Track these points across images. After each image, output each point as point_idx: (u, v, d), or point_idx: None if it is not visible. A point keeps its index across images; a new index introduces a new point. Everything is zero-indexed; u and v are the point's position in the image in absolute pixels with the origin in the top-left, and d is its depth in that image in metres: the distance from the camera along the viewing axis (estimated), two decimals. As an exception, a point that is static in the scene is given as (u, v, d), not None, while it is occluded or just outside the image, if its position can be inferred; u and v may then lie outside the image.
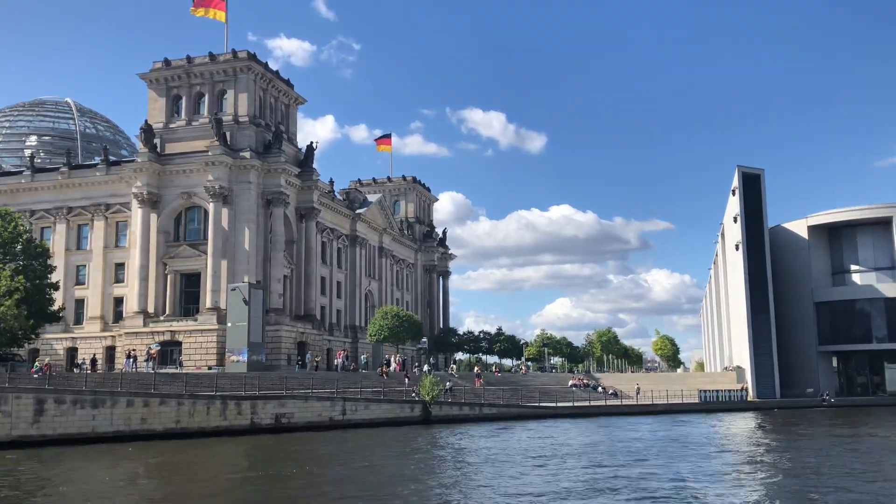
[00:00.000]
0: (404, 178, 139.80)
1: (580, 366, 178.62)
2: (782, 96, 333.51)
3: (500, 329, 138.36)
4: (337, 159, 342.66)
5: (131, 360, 68.32)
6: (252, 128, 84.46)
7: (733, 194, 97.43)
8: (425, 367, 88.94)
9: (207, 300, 79.33)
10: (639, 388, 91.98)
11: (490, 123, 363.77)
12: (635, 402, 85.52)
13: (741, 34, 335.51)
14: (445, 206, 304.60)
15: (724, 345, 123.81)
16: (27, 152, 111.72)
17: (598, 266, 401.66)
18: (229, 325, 71.18)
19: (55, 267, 73.27)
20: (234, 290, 71.11)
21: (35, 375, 53.62)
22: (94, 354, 77.81)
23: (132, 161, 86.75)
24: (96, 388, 47.68)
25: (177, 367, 72.49)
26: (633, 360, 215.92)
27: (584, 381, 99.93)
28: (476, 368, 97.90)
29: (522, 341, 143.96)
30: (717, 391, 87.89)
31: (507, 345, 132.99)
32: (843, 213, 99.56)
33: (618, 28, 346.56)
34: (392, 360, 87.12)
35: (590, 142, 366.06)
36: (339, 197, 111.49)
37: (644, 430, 56.39)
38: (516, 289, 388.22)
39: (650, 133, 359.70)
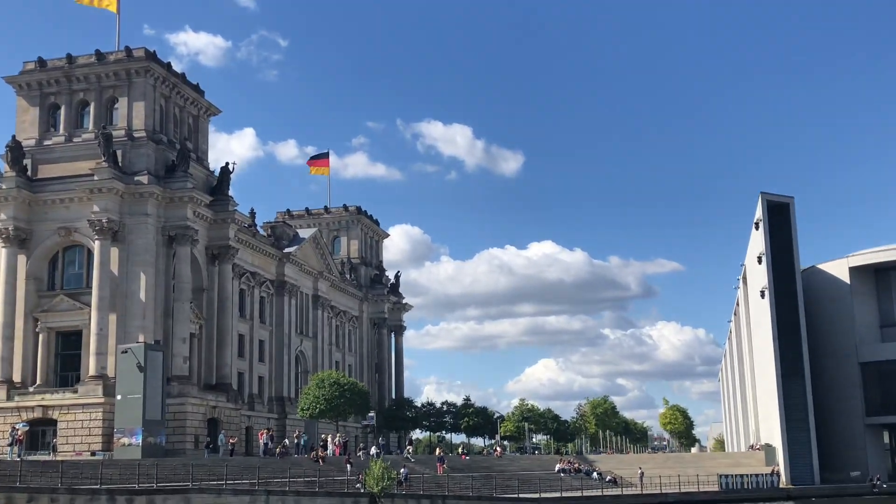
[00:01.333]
0: (346, 208, 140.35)
1: (570, 445, 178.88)
2: (812, 111, 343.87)
3: (468, 399, 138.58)
4: (259, 184, 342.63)
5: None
6: (150, 145, 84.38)
7: (756, 228, 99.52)
8: (373, 450, 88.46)
9: (91, 366, 78.28)
10: (643, 473, 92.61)
11: (453, 139, 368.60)
12: (640, 492, 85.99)
13: (763, 33, 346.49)
14: (398, 243, 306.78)
15: (749, 417, 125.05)
16: None
17: (591, 318, 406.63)
18: (119, 397, 70.11)
19: None
20: (125, 352, 70.26)
21: None
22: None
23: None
24: (-58, 483, 46.40)
25: (50, 453, 70.96)
26: (635, 437, 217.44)
27: (575, 465, 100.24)
28: (438, 450, 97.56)
29: (497, 415, 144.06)
30: (742, 476, 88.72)
31: (478, 419, 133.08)
32: (892, 250, 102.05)
33: (611, 25, 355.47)
34: (330, 440, 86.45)
35: (578, 163, 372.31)
36: (262, 232, 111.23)
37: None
38: (488, 347, 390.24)
39: (652, 153, 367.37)
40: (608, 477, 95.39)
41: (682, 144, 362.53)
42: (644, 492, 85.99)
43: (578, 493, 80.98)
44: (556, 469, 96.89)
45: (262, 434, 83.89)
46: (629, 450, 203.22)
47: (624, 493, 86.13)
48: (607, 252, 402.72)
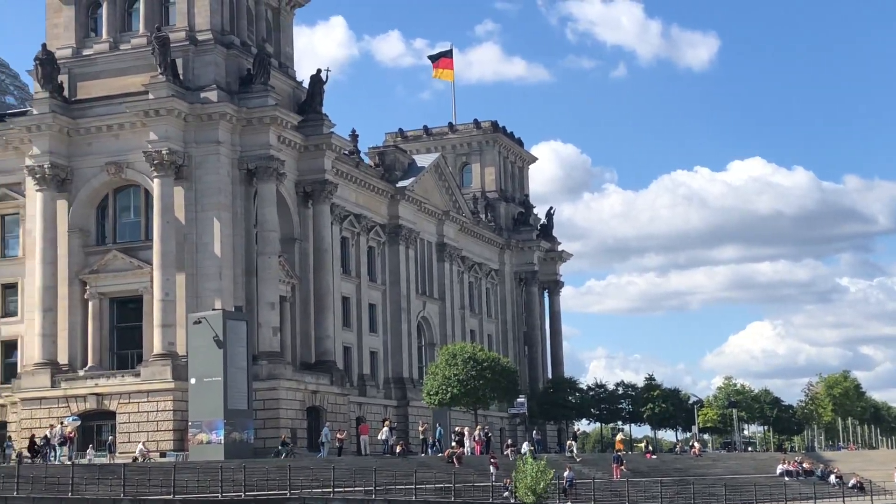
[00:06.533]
0: (478, 124, 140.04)
1: (796, 439, 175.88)
2: None
3: (651, 378, 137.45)
4: (355, 96, 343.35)
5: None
6: (219, 50, 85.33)
7: None
8: (524, 447, 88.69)
9: (156, 342, 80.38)
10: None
11: (617, 22, 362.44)
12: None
13: None
14: (546, 167, 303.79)
15: None
16: None
17: (822, 264, 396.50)
18: (193, 381, 72.28)
19: None
20: (198, 322, 72.15)
21: None
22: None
23: (24, 114, 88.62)
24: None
25: (107, 455, 73.88)
26: (889, 426, 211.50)
27: (805, 466, 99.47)
28: (618, 444, 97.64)
29: (693, 399, 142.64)
30: None
31: (667, 405, 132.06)
32: None
33: None
34: (467, 435, 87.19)
35: (796, 47, 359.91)
36: (367, 161, 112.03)
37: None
38: (677, 308, 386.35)
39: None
40: (851, 481, 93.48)
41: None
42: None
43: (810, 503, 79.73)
44: (779, 471, 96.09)
45: (363, 428, 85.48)
46: (881, 444, 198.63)
47: (875, 502, 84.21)
48: (841, 170, 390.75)
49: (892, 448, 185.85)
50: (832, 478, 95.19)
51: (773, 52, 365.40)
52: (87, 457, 72.03)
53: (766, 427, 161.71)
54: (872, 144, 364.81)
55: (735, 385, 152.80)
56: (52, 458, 69.44)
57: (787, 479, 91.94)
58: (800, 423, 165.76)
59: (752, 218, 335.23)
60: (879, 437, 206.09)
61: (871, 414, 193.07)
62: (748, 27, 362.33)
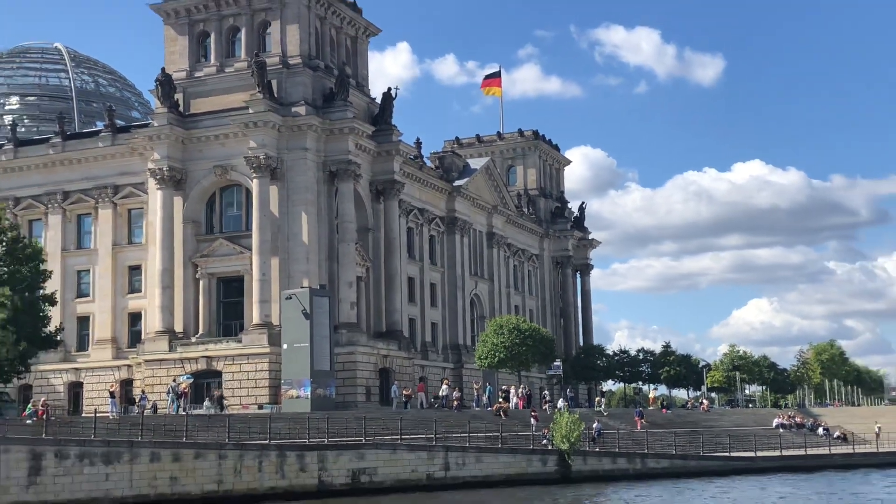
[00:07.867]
0: (521, 133, 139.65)
1: (789, 397, 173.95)
2: None
3: (667, 346, 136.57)
4: (417, 109, 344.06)
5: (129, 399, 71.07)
6: (307, 72, 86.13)
7: None
8: (560, 403, 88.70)
9: (254, 314, 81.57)
10: (880, 429, 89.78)
11: (638, 46, 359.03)
12: (875, 450, 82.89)
13: None
14: (578, 169, 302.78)
15: None
16: (7, 118, 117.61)
17: (812, 250, 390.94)
18: (285, 347, 72.98)
19: (50, 273, 76.61)
20: (289, 298, 72.78)
21: (28, 421, 56.61)
22: (111, 389, 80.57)
23: (146, 125, 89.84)
24: (109, 438, 49.78)
25: (215, 407, 74.79)
26: (869, 387, 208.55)
27: (797, 420, 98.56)
28: (651, 402, 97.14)
29: (702, 363, 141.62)
30: None
31: (680, 368, 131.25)
32: None
33: None
34: (512, 392, 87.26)
35: (790, 66, 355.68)
36: (429, 164, 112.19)
37: None
38: (688, 287, 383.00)
39: (886, 49, 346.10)
40: (836, 433, 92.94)
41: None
42: (880, 450, 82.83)
43: (801, 451, 79.22)
44: (775, 424, 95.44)
45: (420, 386, 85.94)
46: (862, 402, 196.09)
47: (856, 450, 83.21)
48: (828, 170, 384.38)
49: (871, 405, 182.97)
50: (820, 430, 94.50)
51: (771, 70, 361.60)
52: (205, 408, 72.90)
53: (764, 387, 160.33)
54: (855, 148, 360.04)
55: (738, 352, 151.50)
56: (173, 410, 70.59)
57: (781, 430, 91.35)
58: (793, 384, 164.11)
59: (752, 211, 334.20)
60: (861, 397, 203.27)
61: (853, 376, 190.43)
62: (750, 50, 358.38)
